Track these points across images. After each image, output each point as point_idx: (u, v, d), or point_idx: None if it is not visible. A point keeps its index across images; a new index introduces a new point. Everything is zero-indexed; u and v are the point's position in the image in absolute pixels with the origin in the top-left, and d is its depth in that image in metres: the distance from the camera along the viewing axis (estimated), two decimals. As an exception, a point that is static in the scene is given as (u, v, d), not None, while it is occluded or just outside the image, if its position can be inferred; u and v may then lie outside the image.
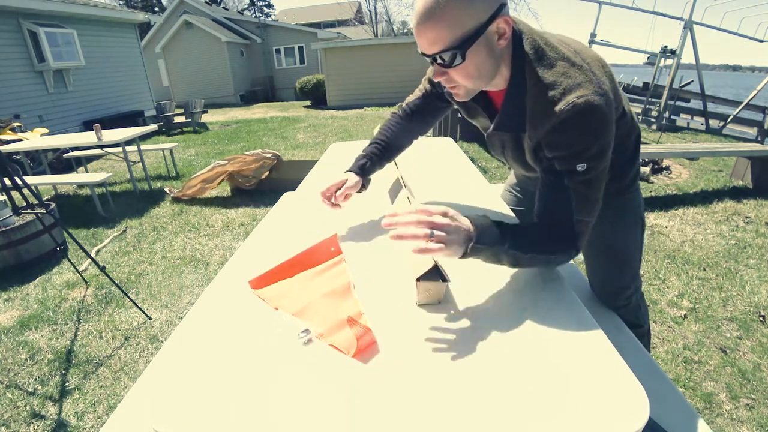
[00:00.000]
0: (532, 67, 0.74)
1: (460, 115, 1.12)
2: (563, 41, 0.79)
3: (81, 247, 2.14)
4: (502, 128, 0.84)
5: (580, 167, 0.73)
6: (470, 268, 0.86)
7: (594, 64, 0.76)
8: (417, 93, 1.11)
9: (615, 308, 1.25)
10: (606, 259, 1.19)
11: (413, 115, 1.11)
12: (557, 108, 0.71)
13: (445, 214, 0.68)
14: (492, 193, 1.29)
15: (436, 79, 0.76)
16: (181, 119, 9.50)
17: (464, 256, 0.70)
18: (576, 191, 0.75)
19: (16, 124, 5.69)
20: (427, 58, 0.74)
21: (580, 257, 1.11)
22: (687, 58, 7.22)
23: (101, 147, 4.74)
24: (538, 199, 0.81)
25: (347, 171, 1.07)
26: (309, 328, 0.69)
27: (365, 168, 1.07)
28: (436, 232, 0.66)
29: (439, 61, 0.72)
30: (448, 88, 0.79)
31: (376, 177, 1.13)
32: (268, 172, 4.16)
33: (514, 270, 0.84)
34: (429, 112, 1.11)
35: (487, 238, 0.71)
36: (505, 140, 0.90)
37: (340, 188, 1.03)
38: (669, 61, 7.23)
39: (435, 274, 0.74)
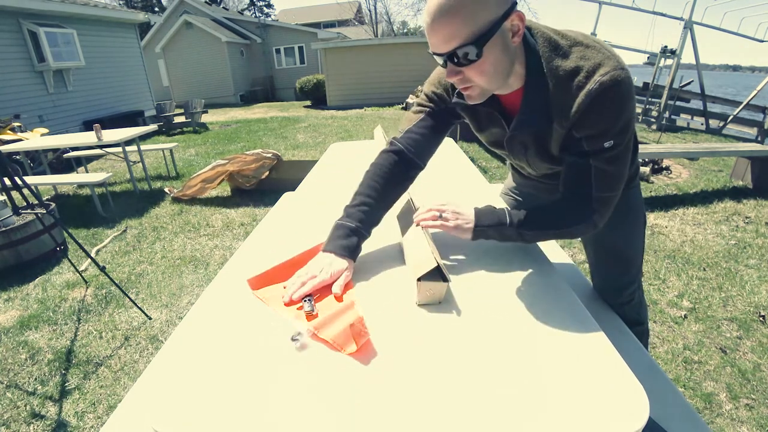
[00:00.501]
0: (549, 60, 0.74)
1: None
2: (567, 30, 0.81)
3: (81, 247, 2.14)
4: (524, 127, 0.82)
5: (607, 144, 0.75)
6: (469, 269, 0.86)
7: (602, 42, 0.78)
8: (414, 117, 0.97)
9: (619, 305, 1.26)
10: (610, 256, 1.21)
11: (414, 148, 0.95)
12: (586, 89, 0.71)
13: (453, 205, 0.87)
14: (492, 193, 1.29)
15: (449, 80, 0.75)
16: (181, 119, 9.50)
17: (475, 237, 0.85)
18: (600, 169, 0.78)
19: (16, 124, 5.69)
20: (440, 59, 0.73)
21: (582, 257, 1.11)
22: (687, 58, 7.23)
23: (101, 147, 4.74)
24: (561, 178, 0.85)
25: (328, 251, 0.83)
26: (302, 331, 0.69)
27: (355, 250, 0.86)
28: (443, 215, 0.85)
29: (456, 59, 0.70)
30: (461, 89, 0.77)
31: None
32: (268, 172, 4.16)
33: (514, 270, 0.84)
34: (432, 137, 0.97)
35: (486, 220, 0.84)
36: (526, 141, 0.87)
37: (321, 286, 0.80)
38: (669, 61, 7.23)
39: (436, 274, 0.74)
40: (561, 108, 0.75)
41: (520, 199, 1.36)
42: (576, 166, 0.80)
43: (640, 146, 1.09)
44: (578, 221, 0.82)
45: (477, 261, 0.89)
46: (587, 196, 0.80)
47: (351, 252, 0.84)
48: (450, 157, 1.70)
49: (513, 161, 1.05)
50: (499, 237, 0.85)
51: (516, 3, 0.69)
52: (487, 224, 0.84)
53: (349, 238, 0.85)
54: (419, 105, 0.98)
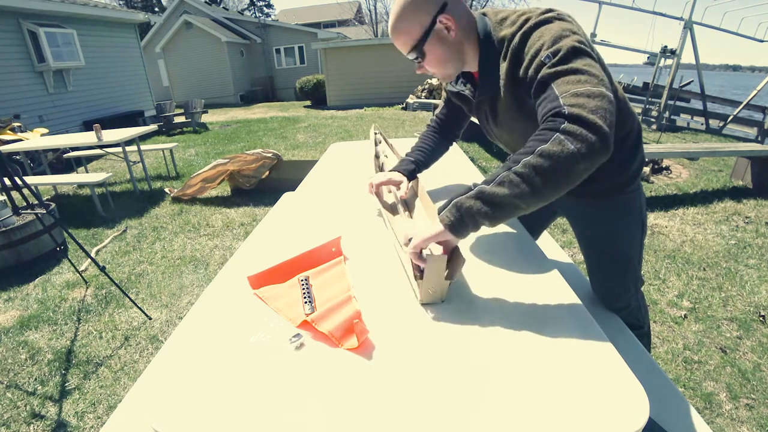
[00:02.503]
0: (496, 31, 0.88)
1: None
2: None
3: (81, 247, 2.14)
4: (484, 92, 0.95)
5: (545, 58, 0.77)
6: (471, 268, 0.86)
7: (564, 15, 0.85)
8: (441, 102, 1.28)
9: (615, 310, 1.25)
10: (606, 262, 1.19)
11: (443, 123, 1.27)
12: (515, 34, 0.83)
13: (412, 244, 0.73)
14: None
15: (418, 72, 0.97)
16: (181, 119, 9.50)
17: (452, 232, 0.71)
18: (556, 77, 0.73)
19: (16, 124, 5.69)
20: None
21: (580, 257, 1.11)
22: (687, 58, 7.23)
23: (101, 147, 4.74)
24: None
25: (394, 170, 1.18)
26: (300, 333, 0.69)
27: (413, 172, 1.19)
28: (413, 250, 0.72)
29: (412, 58, 0.92)
30: (432, 75, 0.96)
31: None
32: (268, 172, 4.17)
33: (514, 270, 0.84)
34: (454, 117, 1.25)
35: (443, 209, 0.73)
36: (487, 109, 1.00)
37: (386, 183, 1.13)
38: (669, 61, 7.22)
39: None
40: (504, 56, 0.86)
41: None
42: (539, 101, 0.76)
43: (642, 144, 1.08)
44: (549, 132, 0.67)
45: (477, 261, 0.89)
46: (552, 112, 0.70)
47: (409, 172, 1.16)
48: (450, 157, 1.70)
49: (489, 138, 1.15)
50: (469, 215, 0.70)
51: (444, 6, 0.85)
52: (448, 210, 0.72)
53: (409, 164, 1.19)
54: (443, 95, 1.25)
